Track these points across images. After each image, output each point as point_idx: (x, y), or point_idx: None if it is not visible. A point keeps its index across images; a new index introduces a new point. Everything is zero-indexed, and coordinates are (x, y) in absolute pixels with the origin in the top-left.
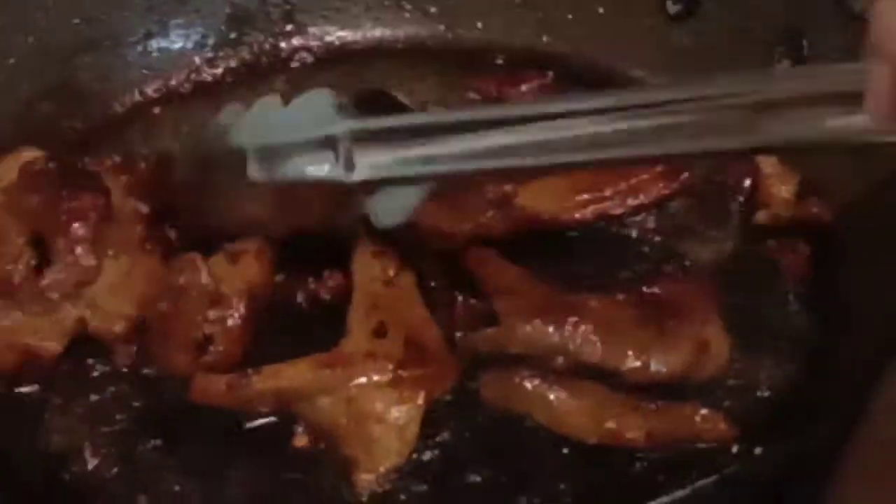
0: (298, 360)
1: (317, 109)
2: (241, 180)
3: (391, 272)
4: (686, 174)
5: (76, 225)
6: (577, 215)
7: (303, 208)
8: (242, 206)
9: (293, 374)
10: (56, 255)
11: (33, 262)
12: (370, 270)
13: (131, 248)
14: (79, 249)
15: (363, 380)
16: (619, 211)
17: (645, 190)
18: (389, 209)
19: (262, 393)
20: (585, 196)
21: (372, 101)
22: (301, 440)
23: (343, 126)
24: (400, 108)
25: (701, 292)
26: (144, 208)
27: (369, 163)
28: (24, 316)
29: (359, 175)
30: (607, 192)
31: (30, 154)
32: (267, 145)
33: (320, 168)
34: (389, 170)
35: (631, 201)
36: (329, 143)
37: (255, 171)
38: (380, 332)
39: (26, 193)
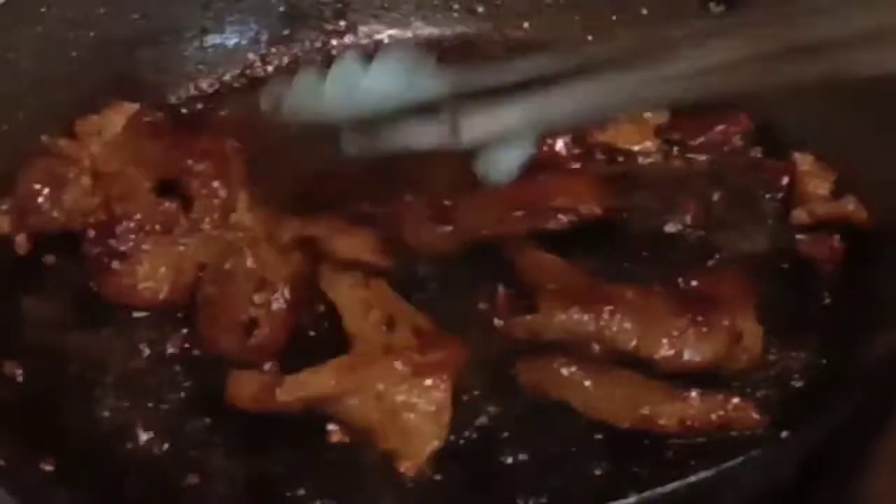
0: (319, 367)
1: (403, 71)
2: (332, 153)
3: (362, 277)
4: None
5: (205, 164)
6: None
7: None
8: (331, 180)
9: (317, 384)
10: (195, 193)
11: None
12: (343, 282)
13: (247, 180)
14: (215, 184)
15: (387, 374)
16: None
17: None
18: (499, 165)
19: (288, 403)
20: None
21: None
22: (335, 437)
23: (442, 87)
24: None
25: (736, 285)
26: (239, 145)
27: (478, 124)
28: (191, 243)
29: (469, 138)
30: None
31: (130, 107)
32: (363, 117)
33: (428, 136)
34: (499, 129)
35: None
36: (430, 106)
37: (352, 145)
38: (389, 324)
39: (145, 142)
